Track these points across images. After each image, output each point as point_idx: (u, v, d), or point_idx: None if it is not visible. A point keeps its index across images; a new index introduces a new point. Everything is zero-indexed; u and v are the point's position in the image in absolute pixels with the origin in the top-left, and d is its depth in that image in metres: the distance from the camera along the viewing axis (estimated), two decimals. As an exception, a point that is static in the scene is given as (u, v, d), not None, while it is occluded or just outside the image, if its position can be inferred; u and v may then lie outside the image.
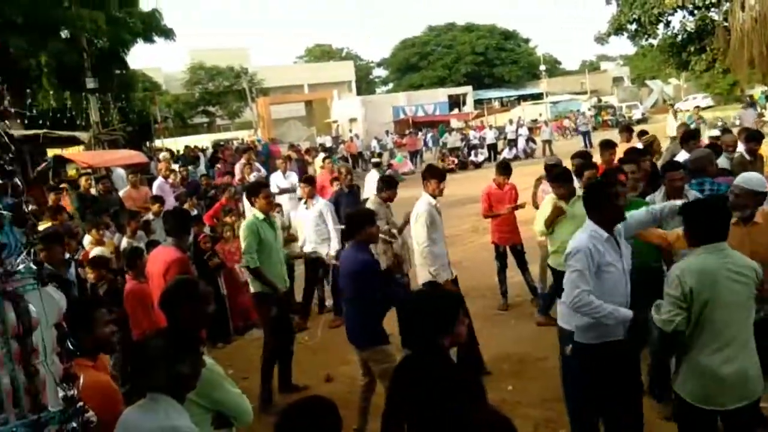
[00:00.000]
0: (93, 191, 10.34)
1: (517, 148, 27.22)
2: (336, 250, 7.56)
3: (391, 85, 69.07)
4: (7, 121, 2.18)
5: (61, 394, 2.07)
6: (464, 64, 61.00)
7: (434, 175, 5.75)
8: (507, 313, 7.33)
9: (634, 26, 28.17)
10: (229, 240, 7.80)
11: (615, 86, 56.55)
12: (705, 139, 9.49)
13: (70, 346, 2.19)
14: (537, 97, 51.99)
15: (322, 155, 15.73)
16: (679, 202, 4.00)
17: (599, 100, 44.45)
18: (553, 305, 6.21)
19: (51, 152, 15.47)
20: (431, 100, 43.90)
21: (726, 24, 23.54)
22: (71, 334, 2.25)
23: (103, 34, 20.29)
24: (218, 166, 17.51)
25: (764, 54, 17.75)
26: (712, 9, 25.71)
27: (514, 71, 61.54)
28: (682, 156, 6.57)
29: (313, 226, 7.49)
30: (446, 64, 61.84)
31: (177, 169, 13.58)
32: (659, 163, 7.09)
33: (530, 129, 30.77)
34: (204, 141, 34.47)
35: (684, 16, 27.44)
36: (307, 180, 8.12)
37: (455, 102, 46.78)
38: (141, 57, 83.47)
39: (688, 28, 27.48)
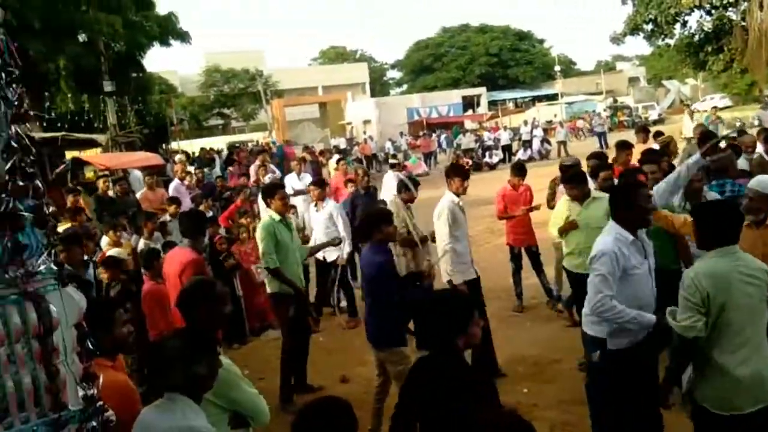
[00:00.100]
0: (110, 193, 10.45)
1: (532, 149, 27.09)
2: (347, 253, 7.58)
3: (405, 87, 69.12)
4: (27, 124, 2.21)
5: (81, 393, 2.10)
6: (478, 66, 60.88)
7: (458, 174, 5.73)
8: (522, 315, 7.30)
9: (650, 26, 27.89)
10: (244, 241, 7.84)
11: (631, 86, 56.05)
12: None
13: (90, 346, 2.22)
14: (552, 97, 51.74)
15: (336, 157, 15.76)
16: (697, 156, 4.04)
17: (615, 101, 44.10)
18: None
19: (69, 154, 15.67)
20: (445, 102, 43.86)
21: (744, 23, 23.30)
22: (90, 334, 2.28)
23: (120, 38, 20.54)
24: (230, 168, 17.58)
25: (783, 53, 17.54)
26: (730, 8, 25.42)
27: (529, 72, 61.31)
28: (700, 157, 6.49)
29: (323, 229, 7.50)
30: (460, 65, 61.75)
31: (193, 171, 13.67)
32: (676, 164, 7.01)
33: (545, 130, 30.59)
34: (219, 143, 34.71)
35: (701, 16, 27.16)
36: (317, 183, 8.13)
37: (469, 103, 46.69)
38: (157, 60, 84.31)
39: (706, 28, 27.17)
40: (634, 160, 6.93)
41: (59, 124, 17.84)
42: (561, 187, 6.97)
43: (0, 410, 1.87)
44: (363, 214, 5.23)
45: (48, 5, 18.00)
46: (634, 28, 28.44)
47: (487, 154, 26.65)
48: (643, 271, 3.57)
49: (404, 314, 4.41)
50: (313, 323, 7.44)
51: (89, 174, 14.59)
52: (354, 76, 58.65)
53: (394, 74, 73.39)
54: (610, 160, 7.05)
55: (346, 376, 5.99)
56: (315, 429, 2.14)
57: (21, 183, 2.03)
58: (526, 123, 30.34)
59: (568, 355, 5.79)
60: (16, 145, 2.04)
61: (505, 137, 28.03)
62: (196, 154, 24.25)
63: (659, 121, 35.26)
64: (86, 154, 16.27)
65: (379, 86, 67.35)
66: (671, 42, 29.72)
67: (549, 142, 28.10)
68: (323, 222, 7.50)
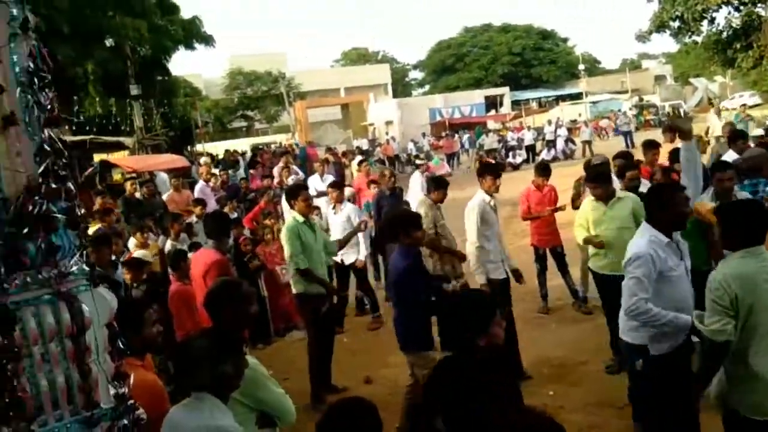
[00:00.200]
0: (137, 195, 10.61)
1: (556, 149, 26.81)
2: (365, 255, 7.57)
3: (427, 87, 68.96)
4: (59, 128, 2.26)
5: (112, 391, 2.14)
6: (501, 65, 60.49)
7: (489, 172, 5.70)
8: (547, 317, 7.23)
9: (677, 23, 27.45)
10: (269, 242, 7.90)
11: (657, 85, 55.19)
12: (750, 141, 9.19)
13: (121, 346, 2.26)
14: (576, 97, 51.17)
15: (358, 158, 15.80)
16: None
17: (641, 99, 43.47)
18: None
19: (97, 157, 15.97)
20: (468, 102, 43.70)
21: (774, 19, 22.80)
22: (120, 334, 2.32)
23: (146, 42, 20.89)
24: (251, 171, 17.70)
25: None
26: (759, 4, 24.93)
27: (552, 71, 60.73)
28: (730, 156, 6.38)
29: (341, 231, 7.49)
30: (483, 65, 61.42)
31: (217, 173, 13.84)
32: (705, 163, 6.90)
33: (569, 129, 30.27)
34: (243, 145, 35.02)
35: (729, 12, 26.68)
36: (335, 185, 8.14)
37: (492, 103, 46.45)
38: (182, 64, 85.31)
39: (734, 24, 26.66)
40: (662, 159, 6.83)
41: (87, 128, 18.21)
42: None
43: (35, 408, 1.91)
44: (390, 215, 5.21)
45: (76, 11, 18.39)
46: (660, 26, 28.01)
47: (510, 154, 26.46)
48: (680, 273, 3.51)
49: (428, 315, 4.41)
50: (338, 326, 7.48)
51: (117, 176, 14.84)
52: (376, 77, 58.74)
53: (416, 75, 73.39)
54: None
55: (370, 377, 5.99)
56: (340, 429, 2.14)
57: (54, 185, 2.07)
58: (549, 123, 30.06)
59: (595, 357, 5.72)
60: (49, 149, 2.09)
61: (528, 137, 27.80)
62: (221, 156, 24.52)
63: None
64: (114, 157, 16.56)
65: (401, 87, 67.33)
66: (698, 39, 29.21)
67: (573, 142, 27.80)
68: (341, 224, 7.51)
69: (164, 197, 10.81)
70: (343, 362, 6.21)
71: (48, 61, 2.17)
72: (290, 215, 6.00)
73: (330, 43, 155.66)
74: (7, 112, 1.99)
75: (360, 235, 7.37)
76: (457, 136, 31.98)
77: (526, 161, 25.62)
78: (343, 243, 6.39)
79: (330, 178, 10.85)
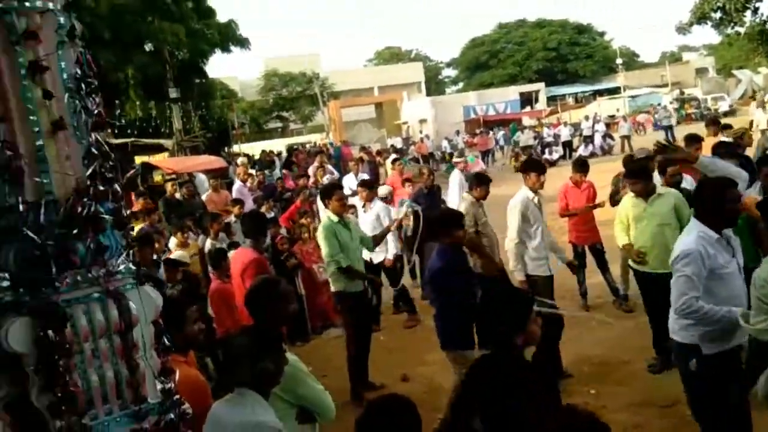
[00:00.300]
0: (177, 196, 10.84)
1: (594, 144, 26.32)
2: (394, 254, 7.56)
3: (460, 85, 68.46)
4: (105, 131, 2.33)
5: (159, 386, 2.20)
6: (536, 61, 59.67)
7: (534, 169, 5.64)
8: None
9: (718, 14, 26.59)
10: (306, 241, 7.98)
11: (699, 77, 53.67)
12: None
13: (166, 342, 2.32)
14: (613, 91, 50.15)
15: (392, 156, 15.81)
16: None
17: (682, 93, 42.33)
18: None
19: (138, 159, 16.35)
20: (502, 99, 43.19)
21: (822, 7, 21.93)
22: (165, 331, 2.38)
23: (184, 46, 21.31)
24: (284, 171, 17.87)
25: None
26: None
27: (589, 66, 59.63)
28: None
29: (370, 230, 7.48)
30: (517, 61, 60.68)
31: (254, 173, 14.03)
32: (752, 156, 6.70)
33: (607, 125, 29.69)
34: (278, 145, 35.38)
35: (774, 1, 25.76)
36: (365, 183, 8.14)
37: (527, 99, 45.84)
38: (218, 66, 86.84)
39: (779, 14, 25.74)
40: (705, 153, 6.65)
41: (128, 131, 18.66)
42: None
43: (85, 402, 1.98)
44: (437, 212, 5.18)
45: (117, 17, 18.89)
46: (701, 17, 27.20)
47: (546, 150, 26.11)
48: (733, 270, 3.40)
49: (466, 315, 4.39)
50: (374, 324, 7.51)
51: (157, 178, 15.18)
52: (409, 76, 58.60)
53: (450, 72, 72.90)
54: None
55: (406, 375, 6.00)
56: (379, 426, 2.16)
57: (102, 187, 2.14)
58: (587, 118, 29.52)
59: (638, 355, 5.62)
60: (96, 152, 2.16)
61: (565, 133, 27.37)
62: (257, 157, 24.85)
63: (730, 112, 33.59)
64: (154, 159, 16.94)
65: (434, 85, 67.02)
66: (741, 30, 28.25)
67: (612, 137, 27.26)
68: (371, 223, 7.51)
69: (203, 197, 11.02)
70: (380, 360, 6.24)
71: (93, 67, 2.24)
72: (325, 214, 6.05)
73: (363, 43, 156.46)
74: (56, 117, 2.05)
75: (389, 234, 7.39)
76: (491, 133, 31.70)
77: (563, 157, 25.24)
78: (378, 239, 6.39)
79: (365, 177, 10.89)
